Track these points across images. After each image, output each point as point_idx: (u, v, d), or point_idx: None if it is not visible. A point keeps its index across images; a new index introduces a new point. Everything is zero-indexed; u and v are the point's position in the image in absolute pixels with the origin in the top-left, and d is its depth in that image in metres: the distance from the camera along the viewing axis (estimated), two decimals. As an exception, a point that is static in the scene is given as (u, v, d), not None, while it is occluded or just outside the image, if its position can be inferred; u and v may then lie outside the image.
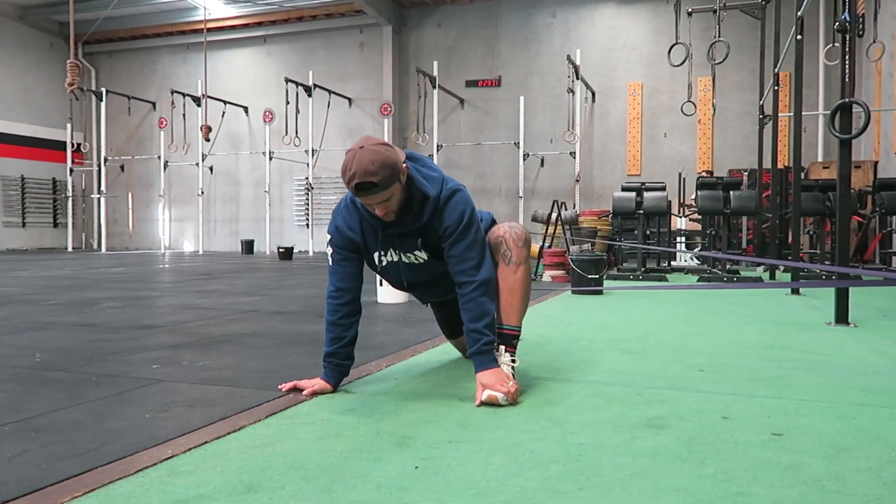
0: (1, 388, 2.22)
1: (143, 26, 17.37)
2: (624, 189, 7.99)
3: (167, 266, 10.03)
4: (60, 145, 17.27)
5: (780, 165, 8.39)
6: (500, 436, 1.73)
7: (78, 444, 1.64)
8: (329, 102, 15.35)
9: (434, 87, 13.76)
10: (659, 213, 7.52)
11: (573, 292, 5.58)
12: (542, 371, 2.53)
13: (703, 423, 1.84)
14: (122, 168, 18.08)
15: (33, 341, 3.14)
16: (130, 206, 18.01)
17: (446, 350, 2.90)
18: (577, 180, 12.98)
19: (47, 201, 17.94)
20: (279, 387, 2.19)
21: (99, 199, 16.84)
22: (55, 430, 1.77)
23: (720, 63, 8.12)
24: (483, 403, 2.02)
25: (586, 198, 13.81)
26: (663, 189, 7.65)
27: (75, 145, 17.11)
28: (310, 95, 14.76)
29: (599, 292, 5.55)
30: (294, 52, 16.54)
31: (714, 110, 10.60)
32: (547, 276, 7.17)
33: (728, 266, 8.30)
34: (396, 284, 2.34)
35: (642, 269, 7.54)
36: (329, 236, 2.21)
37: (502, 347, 2.17)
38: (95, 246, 17.38)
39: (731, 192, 7.18)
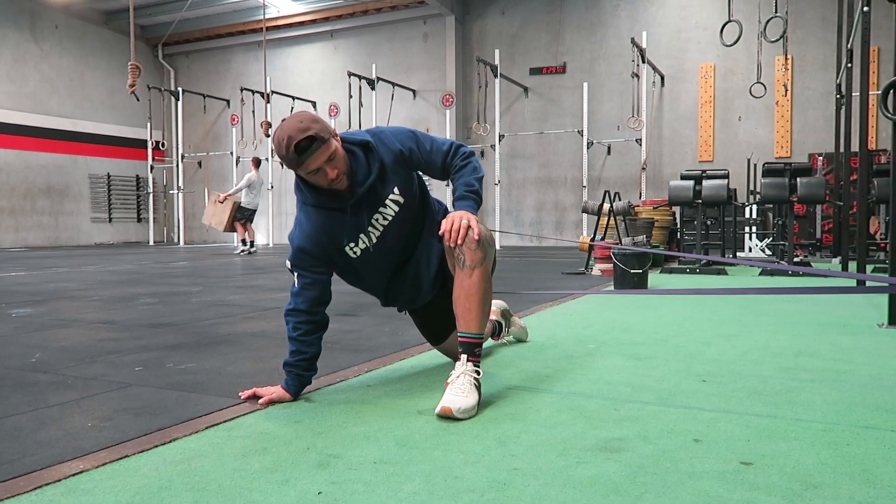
0: (-23, 390, 2.26)
1: (217, 26, 17.88)
2: (683, 177, 7.60)
3: (227, 260, 10.30)
4: (142, 144, 18.06)
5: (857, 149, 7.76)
6: (434, 457, 1.60)
7: (1, 455, 1.62)
8: (393, 95, 15.36)
9: (496, 76, 13.54)
10: (719, 203, 7.10)
11: (598, 292, 5.32)
12: (528, 380, 2.37)
13: (667, 447, 1.64)
14: (200, 164, 18.75)
15: (45, 340, 3.22)
16: (207, 201, 18.63)
17: (439, 353, 2.77)
18: (644, 168, 12.48)
19: (131, 198, 18.83)
20: (239, 394, 2.12)
21: (177, 194, 17.54)
22: (-10, 438, 1.76)
23: (775, 41, 7.54)
24: (439, 416, 1.89)
25: (656, 186, 13.27)
26: (724, 177, 7.21)
27: (155, 143, 17.87)
28: (373, 89, 14.83)
29: (634, 293, 5.27)
30: (360, 45, 16.65)
31: (786, 91, 9.88)
32: (597, 269, 6.90)
33: (799, 258, 7.80)
34: (371, 278, 2.24)
35: (702, 262, 7.15)
36: (289, 262, 2.12)
37: (464, 357, 2.03)
38: (175, 240, 18.11)
39: (799, 179, 6.69)
